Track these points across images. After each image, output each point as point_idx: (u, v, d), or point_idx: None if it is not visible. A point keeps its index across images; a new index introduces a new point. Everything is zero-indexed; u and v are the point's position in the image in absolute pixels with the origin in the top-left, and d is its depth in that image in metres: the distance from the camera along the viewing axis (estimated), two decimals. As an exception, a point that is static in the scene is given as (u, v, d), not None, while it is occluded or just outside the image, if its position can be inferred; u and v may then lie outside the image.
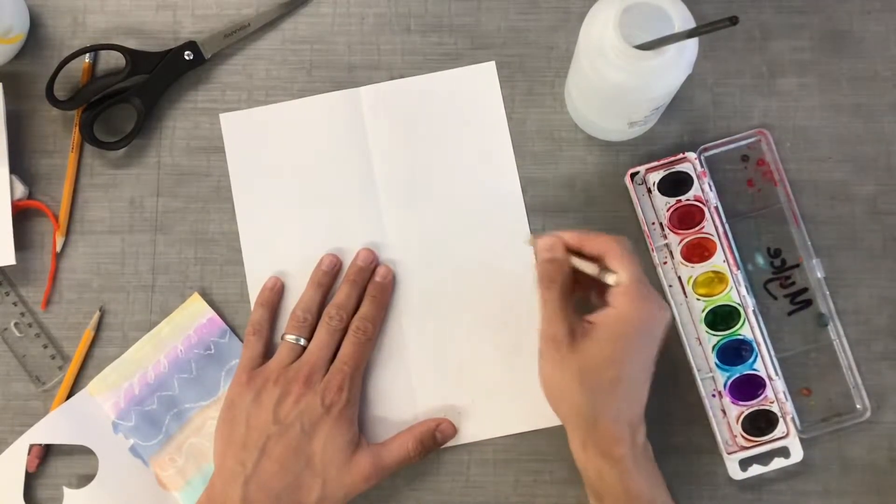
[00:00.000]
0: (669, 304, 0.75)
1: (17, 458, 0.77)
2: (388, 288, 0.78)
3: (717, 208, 0.78)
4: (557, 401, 0.71)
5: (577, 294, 0.72)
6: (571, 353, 0.68)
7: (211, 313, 0.79)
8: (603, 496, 0.70)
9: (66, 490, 0.78)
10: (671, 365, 0.78)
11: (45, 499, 0.78)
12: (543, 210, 0.80)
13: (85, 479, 0.78)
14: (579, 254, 0.71)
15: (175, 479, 0.78)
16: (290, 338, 0.77)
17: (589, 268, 0.70)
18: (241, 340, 0.79)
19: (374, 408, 0.78)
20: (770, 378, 0.77)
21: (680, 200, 0.79)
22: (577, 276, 0.71)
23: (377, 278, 0.78)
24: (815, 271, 0.78)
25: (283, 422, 0.74)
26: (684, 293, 0.78)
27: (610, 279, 0.68)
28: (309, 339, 0.77)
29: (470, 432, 0.78)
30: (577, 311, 0.70)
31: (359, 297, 0.78)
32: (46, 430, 0.77)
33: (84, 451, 0.78)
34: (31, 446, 0.77)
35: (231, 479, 0.73)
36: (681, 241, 0.78)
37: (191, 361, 0.79)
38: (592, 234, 0.70)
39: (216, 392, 0.79)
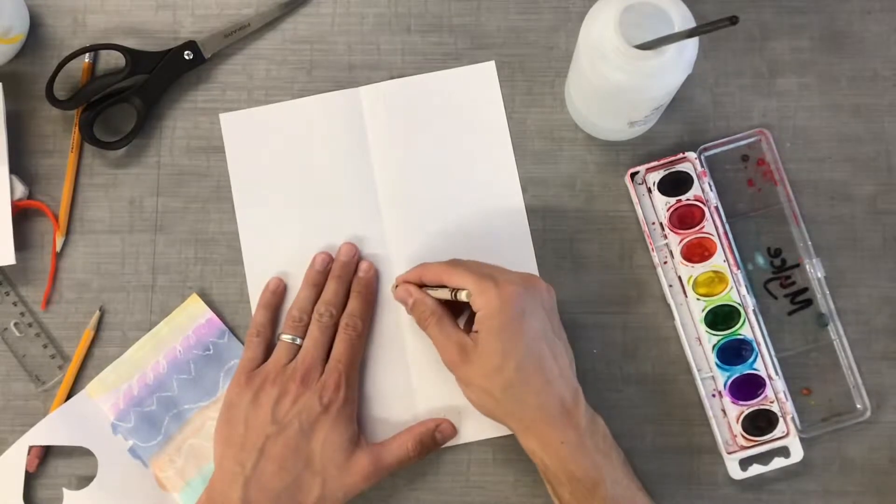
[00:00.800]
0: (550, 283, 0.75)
1: (16, 459, 0.77)
2: (372, 282, 0.79)
3: (717, 208, 0.78)
4: (487, 412, 0.73)
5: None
6: (469, 365, 0.71)
7: (210, 314, 0.79)
8: (550, 482, 0.71)
9: (65, 491, 0.78)
10: (671, 365, 0.78)
11: (45, 500, 0.78)
12: (543, 210, 0.80)
13: (84, 481, 0.78)
14: (427, 286, 0.75)
15: (174, 479, 0.78)
16: (287, 337, 0.77)
17: (443, 293, 0.74)
18: (241, 341, 0.79)
19: (373, 408, 0.78)
20: (770, 378, 0.77)
21: (680, 200, 0.79)
22: (449, 306, 0.74)
23: (360, 274, 0.79)
24: (816, 271, 0.78)
25: (282, 422, 0.74)
26: (684, 293, 0.78)
27: (462, 296, 0.72)
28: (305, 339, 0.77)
29: (470, 432, 0.78)
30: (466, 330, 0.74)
31: (346, 292, 0.78)
32: (46, 432, 0.77)
33: (83, 453, 0.78)
34: (31, 447, 0.77)
35: (230, 479, 0.73)
36: (681, 241, 0.78)
37: (190, 362, 0.79)
38: (425, 265, 0.75)
39: (215, 393, 0.79)
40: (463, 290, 0.72)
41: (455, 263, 0.74)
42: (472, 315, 0.72)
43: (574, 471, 0.69)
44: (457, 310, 0.76)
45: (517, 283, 0.71)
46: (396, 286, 0.77)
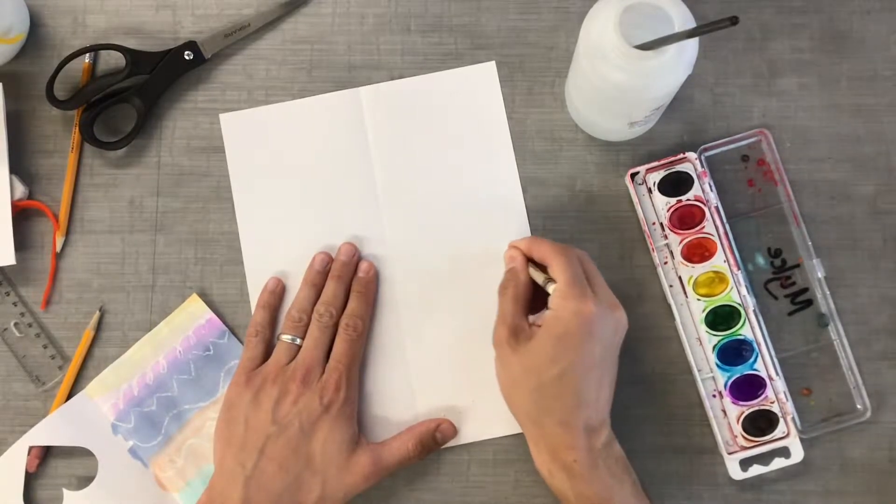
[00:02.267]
0: (623, 309, 0.73)
1: (16, 460, 0.77)
2: (373, 282, 0.79)
3: (717, 208, 0.78)
4: (508, 401, 0.73)
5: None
6: (514, 353, 0.70)
7: (210, 314, 0.79)
8: (557, 496, 0.71)
9: (65, 491, 0.78)
10: (671, 365, 0.78)
11: (45, 500, 0.78)
12: (543, 210, 0.80)
13: (84, 481, 0.78)
14: (533, 262, 0.74)
15: (174, 480, 0.78)
16: (287, 337, 0.77)
17: (539, 278, 0.73)
18: (241, 341, 0.79)
19: (373, 408, 0.78)
20: (770, 378, 0.77)
21: (680, 200, 0.79)
22: (536, 300, 0.74)
23: (360, 274, 0.78)
24: (816, 271, 0.78)
25: (282, 422, 0.74)
26: (685, 293, 0.78)
27: (550, 288, 0.71)
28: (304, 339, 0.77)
29: (470, 432, 0.78)
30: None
31: (345, 292, 0.78)
32: (46, 433, 0.77)
33: (83, 453, 0.78)
34: (31, 447, 0.77)
35: (231, 479, 0.73)
36: (681, 241, 0.78)
37: (190, 362, 0.79)
38: (538, 241, 0.74)
39: (215, 393, 0.79)
40: (553, 283, 0.71)
41: (565, 253, 0.72)
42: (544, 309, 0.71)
43: (583, 491, 0.69)
44: (540, 302, 0.74)
45: (600, 305, 0.69)
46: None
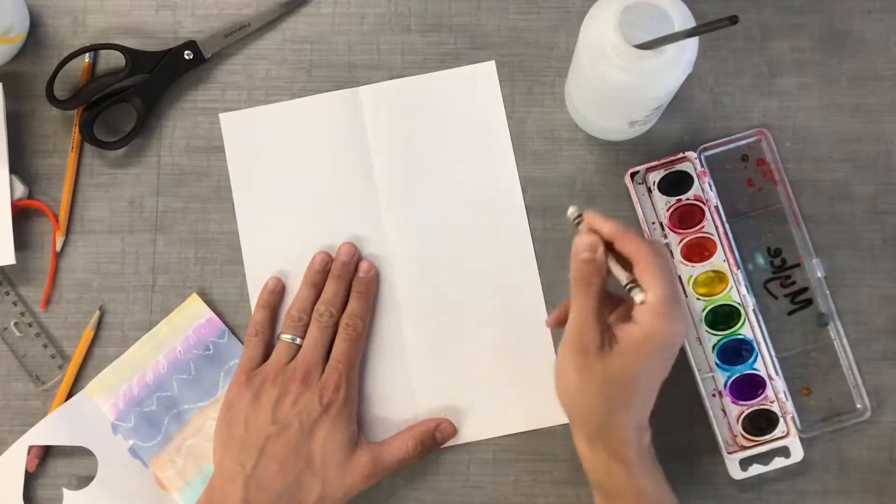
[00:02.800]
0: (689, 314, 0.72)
1: (16, 459, 0.77)
2: (373, 282, 0.79)
3: (717, 208, 0.78)
4: (571, 403, 0.69)
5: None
6: (597, 362, 0.66)
7: (210, 314, 0.79)
8: (612, 495, 0.69)
9: (65, 491, 0.78)
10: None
11: (45, 500, 0.78)
12: (543, 210, 0.80)
13: (84, 480, 0.78)
14: (613, 251, 0.68)
15: (174, 479, 0.78)
16: (287, 337, 0.77)
17: (622, 276, 0.66)
18: (241, 341, 0.79)
19: (373, 407, 0.78)
20: (770, 378, 0.77)
21: (680, 200, 0.79)
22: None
23: (360, 273, 0.78)
24: (816, 271, 0.78)
25: (282, 421, 0.74)
26: (684, 293, 0.78)
27: (637, 297, 0.65)
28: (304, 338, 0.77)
29: (470, 432, 0.78)
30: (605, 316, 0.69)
31: (346, 292, 0.78)
32: (45, 432, 0.77)
33: (83, 452, 0.78)
34: (31, 447, 0.77)
35: (231, 479, 0.73)
36: (681, 241, 0.78)
37: (190, 362, 0.79)
38: (629, 235, 0.66)
39: (215, 393, 0.79)
40: (643, 292, 0.65)
41: (658, 254, 0.66)
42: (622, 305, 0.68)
43: (641, 487, 0.68)
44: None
45: (686, 323, 0.67)
46: (578, 224, 0.68)
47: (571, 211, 0.68)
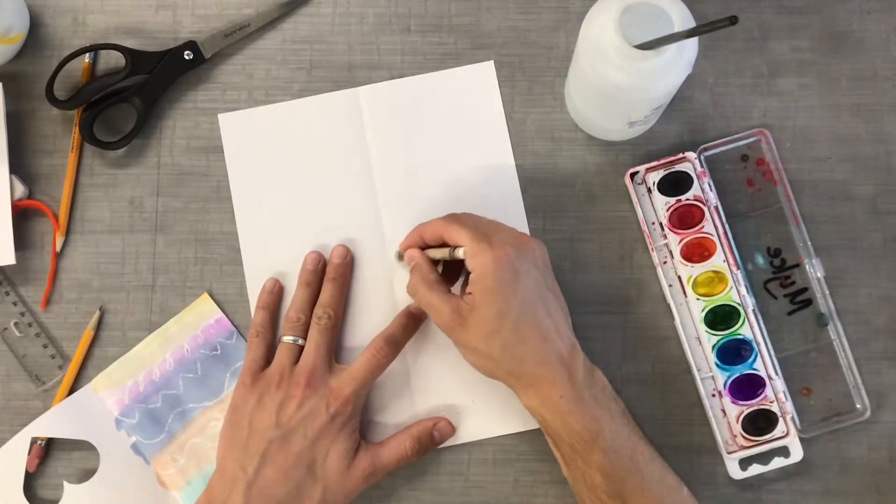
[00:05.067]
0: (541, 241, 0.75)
1: (18, 451, 0.77)
2: (347, 267, 0.79)
3: (717, 208, 0.78)
4: (487, 373, 0.73)
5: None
6: (466, 328, 0.71)
7: (219, 314, 0.79)
8: (551, 437, 0.72)
9: (66, 485, 0.78)
10: (671, 365, 0.78)
11: (46, 493, 0.78)
12: (543, 210, 0.80)
13: (86, 475, 0.78)
14: (430, 247, 0.75)
15: (175, 478, 0.78)
16: (288, 339, 0.77)
17: (443, 252, 0.74)
18: (246, 341, 0.79)
19: (372, 407, 0.78)
20: (770, 378, 0.77)
21: (680, 200, 0.79)
22: (448, 272, 0.76)
23: (336, 259, 0.79)
24: (815, 271, 0.78)
25: (286, 426, 0.74)
26: (684, 293, 0.78)
27: (459, 252, 0.72)
28: (306, 338, 0.77)
29: (469, 432, 0.78)
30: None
31: (342, 293, 0.78)
32: (49, 424, 0.78)
33: (85, 447, 0.78)
34: (32, 446, 0.77)
35: (232, 483, 0.73)
36: (681, 241, 0.78)
37: (196, 361, 0.79)
38: (426, 225, 0.75)
39: (220, 393, 0.79)
40: (460, 247, 0.72)
41: (453, 218, 0.74)
42: (468, 276, 0.72)
43: (572, 424, 0.69)
44: (453, 275, 0.76)
45: (510, 244, 0.71)
46: (401, 253, 0.78)
47: (398, 252, 0.78)
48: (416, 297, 0.74)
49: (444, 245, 0.74)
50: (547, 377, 0.70)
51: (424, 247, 0.76)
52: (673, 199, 0.79)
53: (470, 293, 0.71)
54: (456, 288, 0.77)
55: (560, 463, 0.72)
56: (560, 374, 0.70)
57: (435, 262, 0.75)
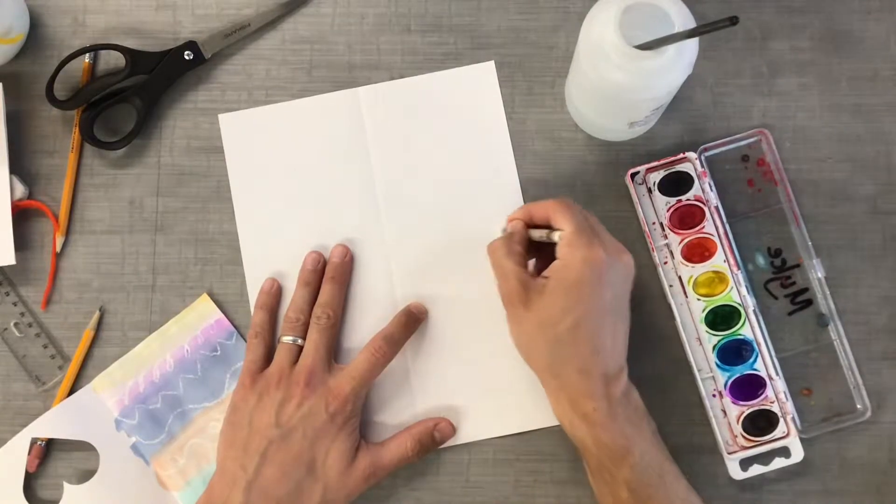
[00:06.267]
0: (634, 257, 0.74)
1: (18, 451, 0.77)
2: (347, 266, 0.79)
3: (717, 208, 0.78)
4: (527, 358, 0.73)
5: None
6: (528, 310, 0.70)
7: (219, 315, 0.79)
8: (578, 447, 0.72)
9: (66, 485, 0.78)
10: (671, 365, 0.78)
11: (45, 493, 0.78)
12: (543, 210, 0.80)
13: (86, 475, 0.78)
14: (534, 226, 0.74)
15: (175, 479, 0.78)
16: (287, 339, 0.77)
17: (541, 233, 0.73)
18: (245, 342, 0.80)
19: (372, 408, 0.78)
20: (770, 378, 0.77)
21: (680, 200, 0.79)
22: (541, 253, 0.74)
23: (335, 259, 0.79)
24: (816, 271, 0.78)
25: (286, 426, 0.74)
26: (684, 293, 0.78)
27: (555, 236, 0.71)
28: (305, 338, 0.77)
29: (469, 432, 0.78)
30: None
31: (342, 293, 0.78)
32: (49, 424, 0.78)
33: (85, 448, 0.78)
34: (32, 446, 0.77)
35: (231, 483, 0.73)
36: (681, 241, 0.78)
37: (196, 362, 0.79)
38: (538, 203, 0.74)
39: (220, 394, 0.79)
40: (558, 231, 0.71)
41: (566, 204, 0.72)
42: (547, 263, 0.71)
43: (602, 438, 0.69)
44: (543, 257, 0.74)
45: (608, 251, 0.70)
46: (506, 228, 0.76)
47: (503, 228, 0.76)
48: (493, 256, 0.73)
49: (546, 227, 0.73)
50: (584, 389, 0.69)
51: (531, 225, 0.74)
52: (673, 200, 0.79)
53: (546, 277, 0.70)
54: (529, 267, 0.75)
55: (586, 469, 0.72)
56: (599, 389, 0.69)
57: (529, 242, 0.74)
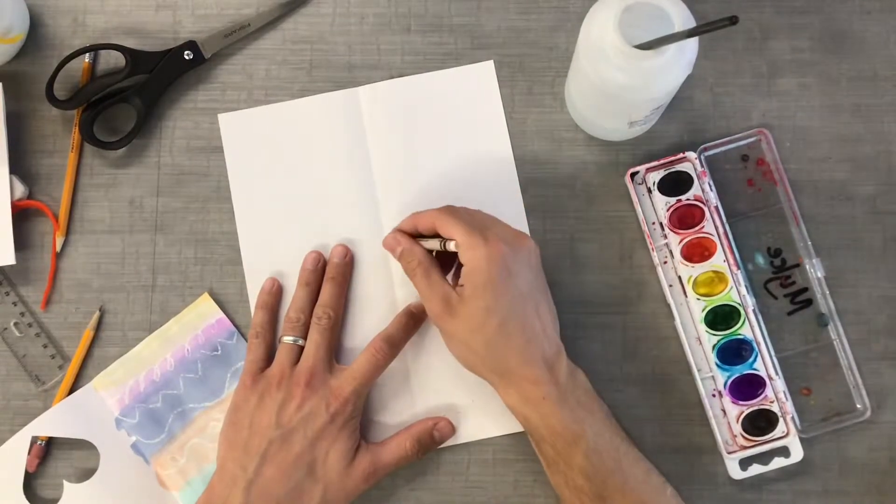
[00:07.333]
0: (533, 238, 0.75)
1: (18, 451, 0.77)
2: (348, 266, 0.79)
3: (717, 208, 0.78)
4: (470, 367, 0.73)
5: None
6: (454, 319, 0.71)
7: (220, 314, 0.79)
8: (533, 437, 0.72)
9: (66, 485, 0.78)
10: (671, 365, 0.78)
11: (46, 494, 0.78)
12: (543, 210, 0.80)
13: (86, 475, 0.78)
14: (422, 236, 0.75)
15: (175, 478, 0.78)
16: (288, 339, 0.77)
17: (434, 244, 0.74)
18: (246, 341, 0.79)
19: (372, 408, 0.78)
20: (770, 378, 0.77)
21: (680, 200, 0.79)
22: (441, 259, 0.75)
23: (335, 259, 0.79)
24: (815, 271, 0.78)
25: (286, 426, 0.74)
26: (684, 293, 0.78)
27: (451, 246, 0.72)
28: (306, 338, 0.77)
29: (469, 432, 0.78)
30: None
31: (342, 294, 0.78)
32: (49, 424, 0.78)
33: (85, 446, 0.78)
34: (32, 445, 0.77)
35: (231, 483, 0.73)
36: (681, 241, 0.78)
37: (197, 361, 0.79)
38: (416, 214, 0.75)
39: (221, 393, 0.79)
40: (452, 240, 0.72)
41: (449, 211, 0.73)
42: (460, 267, 0.72)
43: (555, 425, 0.70)
44: (448, 262, 0.76)
45: (505, 241, 0.71)
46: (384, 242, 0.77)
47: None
48: (413, 280, 0.74)
49: (436, 236, 0.74)
50: (529, 377, 0.70)
51: (417, 235, 0.75)
52: (673, 199, 0.79)
53: (461, 285, 0.71)
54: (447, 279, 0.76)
55: (544, 467, 0.73)
56: (543, 374, 0.70)
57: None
